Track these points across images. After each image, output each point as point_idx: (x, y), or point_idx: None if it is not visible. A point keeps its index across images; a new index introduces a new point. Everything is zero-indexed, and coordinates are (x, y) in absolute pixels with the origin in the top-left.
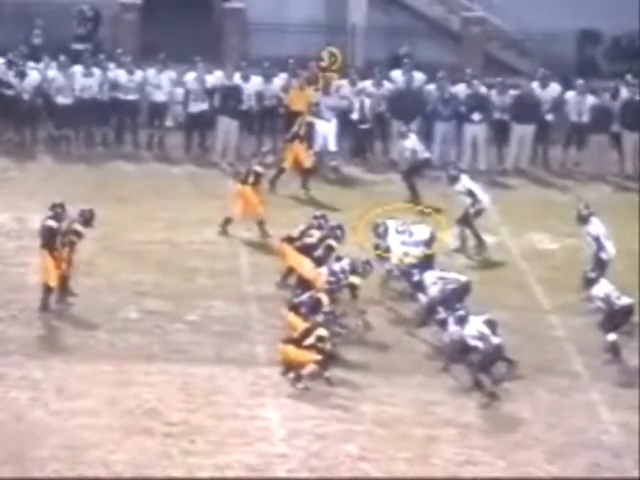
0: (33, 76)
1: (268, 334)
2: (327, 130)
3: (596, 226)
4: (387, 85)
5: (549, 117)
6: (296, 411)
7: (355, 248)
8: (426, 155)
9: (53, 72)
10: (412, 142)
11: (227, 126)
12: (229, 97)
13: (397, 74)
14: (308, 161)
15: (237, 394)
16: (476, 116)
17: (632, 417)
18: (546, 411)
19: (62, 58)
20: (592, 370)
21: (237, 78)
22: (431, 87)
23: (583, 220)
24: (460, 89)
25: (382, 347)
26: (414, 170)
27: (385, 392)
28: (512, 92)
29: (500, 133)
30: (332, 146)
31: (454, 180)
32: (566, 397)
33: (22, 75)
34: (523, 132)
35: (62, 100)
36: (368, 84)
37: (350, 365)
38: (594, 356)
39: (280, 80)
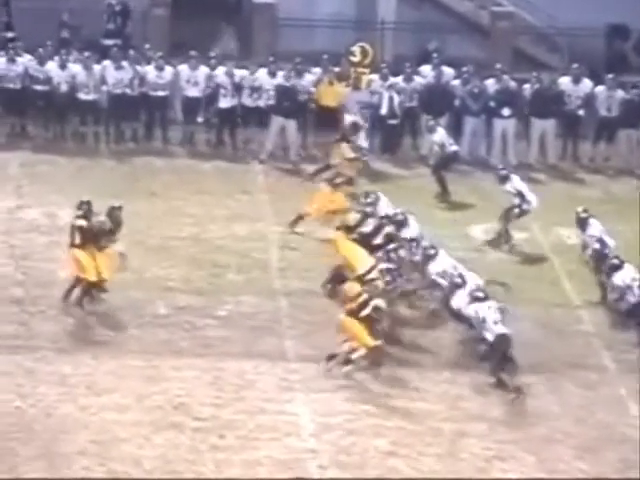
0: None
1: (297, 329)
2: None
3: (596, 227)
4: (417, 80)
5: (580, 112)
6: (326, 406)
7: None
8: (454, 148)
9: (77, 68)
10: (440, 136)
11: (281, 125)
12: (285, 96)
13: (426, 69)
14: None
15: (266, 389)
16: (506, 111)
17: None
18: (575, 406)
19: (86, 54)
20: (620, 365)
21: (263, 73)
22: (457, 82)
23: (582, 223)
24: (489, 84)
25: (412, 342)
26: (442, 164)
27: (415, 387)
28: (534, 87)
29: (527, 127)
30: (363, 141)
31: (504, 180)
32: (594, 392)
33: (63, 67)
34: (543, 127)
35: (84, 96)
36: (399, 79)
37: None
38: (622, 351)
39: (312, 75)
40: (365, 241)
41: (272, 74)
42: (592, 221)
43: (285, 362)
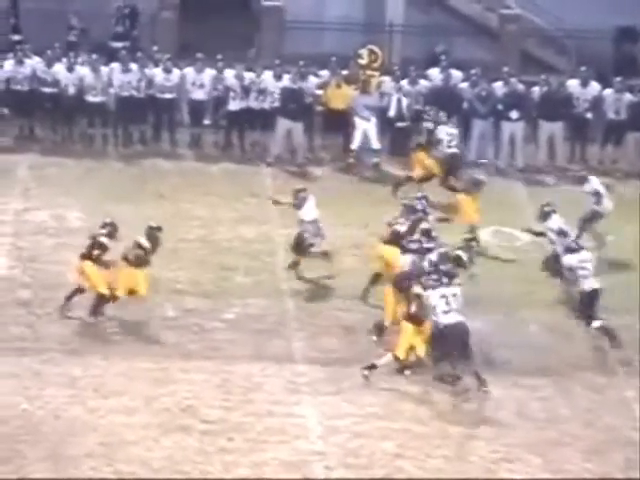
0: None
1: (305, 331)
2: (368, 128)
3: (556, 221)
4: (423, 83)
5: (588, 115)
6: (333, 408)
7: None
8: (451, 151)
9: (85, 70)
10: (441, 133)
11: (287, 128)
12: (291, 99)
13: (435, 72)
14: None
15: (274, 392)
16: (514, 114)
17: None
18: (582, 409)
19: (93, 56)
20: (627, 367)
21: (268, 76)
22: (464, 85)
23: (544, 217)
24: (497, 87)
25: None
26: (447, 170)
27: (422, 390)
28: (542, 89)
29: (535, 130)
30: (375, 144)
31: (584, 181)
32: (602, 394)
33: (70, 70)
34: (551, 129)
35: (92, 98)
36: (404, 82)
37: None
38: (629, 353)
39: (317, 78)
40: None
41: (278, 77)
42: (554, 216)
43: (293, 364)
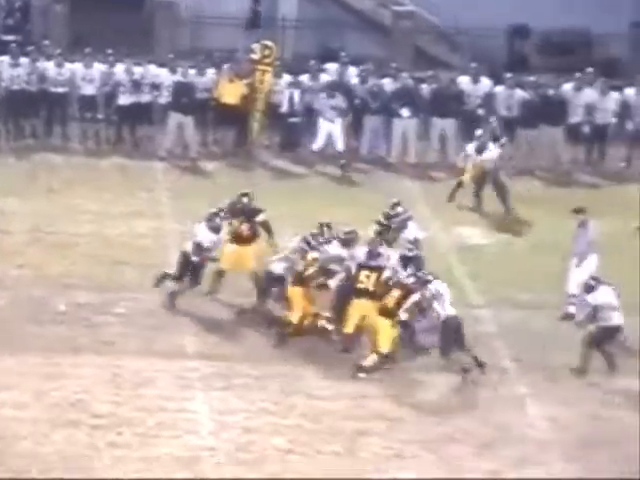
0: None
1: (196, 327)
2: (332, 129)
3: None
4: (323, 78)
5: (480, 112)
6: (224, 404)
7: None
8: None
9: None
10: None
11: (179, 121)
12: (182, 93)
13: (332, 67)
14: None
15: (165, 386)
16: (405, 111)
17: (558, 411)
18: (475, 405)
19: None
20: (520, 365)
21: (163, 71)
22: (355, 80)
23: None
24: (386, 83)
25: (311, 340)
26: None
27: (314, 385)
28: (431, 86)
29: (428, 127)
30: (340, 145)
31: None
32: (495, 391)
33: None
34: (443, 126)
35: None
36: (305, 77)
37: (279, 358)
38: (523, 351)
39: (211, 73)
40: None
41: (172, 71)
42: (410, 224)
43: (184, 360)
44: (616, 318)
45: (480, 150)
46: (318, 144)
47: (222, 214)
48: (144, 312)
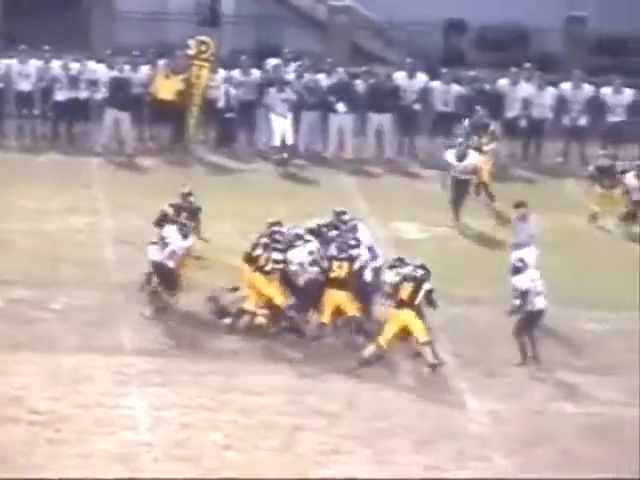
0: None
1: (133, 323)
2: (284, 124)
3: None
4: (255, 74)
5: (416, 107)
6: (161, 400)
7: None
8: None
9: None
10: None
11: (115, 117)
12: (119, 89)
13: (273, 62)
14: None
15: (103, 383)
16: (341, 107)
17: (498, 405)
18: (413, 400)
19: None
20: (461, 359)
21: (100, 67)
22: (292, 76)
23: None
24: (321, 78)
25: (248, 335)
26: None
27: (251, 381)
28: (367, 81)
29: (365, 122)
30: (289, 140)
31: None
32: (434, 385)
33: None
34: (380, 121)
35: None
36: (236, 73)
37: (216, 353)
38: (464, 345)
39: (147, 68)
40: None
41: (110, 67)
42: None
43: (121, 356)
44: (540, 302)
45: (461, 158)
46: (275, 140)
47: (171, 213)
48: (81, 308)
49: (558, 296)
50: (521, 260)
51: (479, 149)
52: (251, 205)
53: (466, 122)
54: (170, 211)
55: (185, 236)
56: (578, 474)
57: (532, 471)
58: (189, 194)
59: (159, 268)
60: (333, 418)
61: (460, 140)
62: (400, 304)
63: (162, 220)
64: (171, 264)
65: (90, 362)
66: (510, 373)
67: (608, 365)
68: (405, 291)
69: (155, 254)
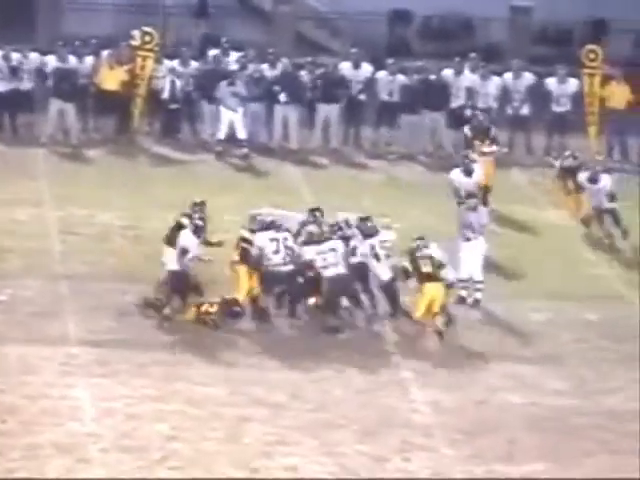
0: None
1: (79, 314)
2: (234, 118)
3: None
4: (194, 65)
5: (361, 97)
6: (107, 391)
7: None
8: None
9: None
10: None
11: (60, 108)
12: (63, 79)
13: (214, 53)
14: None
15: (48, 374)
16: (283, 97)
17: (442, 396)
18: (357, 390)
19: None
20: (404, 349)
21: (45, 58)
22: (236, 67)
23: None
24: (264, 69)
25: (193, 326)
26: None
27: (197, 372)
28: (316, 72)
29: (311, 113)
30: (241, 134)
31: None
32: (377, 376)
33: None
34: (326, 112)
35: None
36: (175, 63)
37: (161, 344)
38: (407, 335)
39: (91, 59)
40: None
41: (59, 58)
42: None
43: (66, 347)
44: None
45: (468, 173)
46: (221, 134)
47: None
48: (26, 299)
49: (503, 287)
50: (420, 238)
51: (482, 153)
52: (196, 196)
53: (467, 128)
54: (185, 221)
55: (199, 236)
56: (523, 464)
57: (478, 461)
58: (202, 203)
59: (179, 277)
60: (278, 409)
61: (464, 153)
62: (425, 279)
63: (177, 230)
64: (192, 271)
65: (36, 353)
66: (455, 364)
67: (553, 355)
68: (427, 267)
69: (174, 264)
